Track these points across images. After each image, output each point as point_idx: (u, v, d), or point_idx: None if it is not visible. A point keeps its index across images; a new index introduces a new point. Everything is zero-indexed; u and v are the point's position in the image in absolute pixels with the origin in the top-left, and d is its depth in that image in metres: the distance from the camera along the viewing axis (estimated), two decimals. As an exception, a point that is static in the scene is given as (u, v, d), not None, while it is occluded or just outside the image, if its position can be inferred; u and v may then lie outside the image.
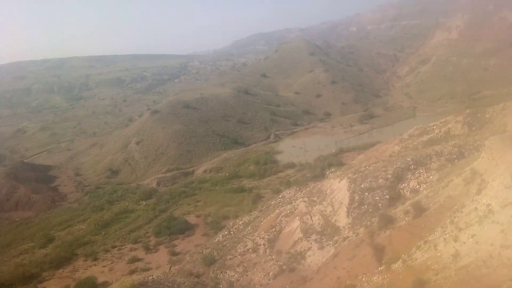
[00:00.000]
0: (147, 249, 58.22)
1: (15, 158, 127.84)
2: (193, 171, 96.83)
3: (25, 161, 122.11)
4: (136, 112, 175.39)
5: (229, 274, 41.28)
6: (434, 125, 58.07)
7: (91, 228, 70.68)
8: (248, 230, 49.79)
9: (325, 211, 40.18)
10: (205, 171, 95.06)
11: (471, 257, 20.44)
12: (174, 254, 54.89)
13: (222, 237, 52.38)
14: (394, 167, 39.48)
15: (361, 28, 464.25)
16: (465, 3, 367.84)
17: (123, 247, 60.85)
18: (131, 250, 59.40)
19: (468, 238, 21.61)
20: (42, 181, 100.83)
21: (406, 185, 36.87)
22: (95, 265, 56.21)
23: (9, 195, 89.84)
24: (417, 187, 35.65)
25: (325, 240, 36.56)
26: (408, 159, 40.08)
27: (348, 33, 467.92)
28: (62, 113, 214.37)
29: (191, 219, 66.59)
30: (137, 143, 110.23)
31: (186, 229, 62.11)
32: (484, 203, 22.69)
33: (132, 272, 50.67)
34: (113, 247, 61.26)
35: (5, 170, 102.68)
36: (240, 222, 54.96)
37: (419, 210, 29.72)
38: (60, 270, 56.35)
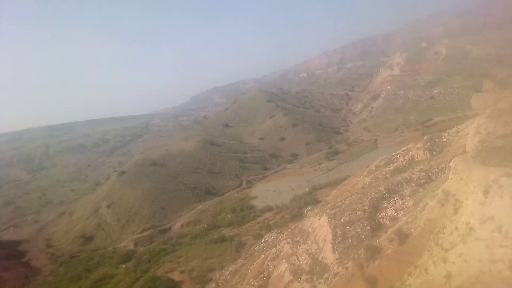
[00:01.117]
0: (134, 314, 56.04)
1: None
2: (170, 227, 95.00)
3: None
4: (102, 176, 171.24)
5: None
6: (397, 154, 61.33)
7: (70, 299, 67.17)
8: (236, 279, 49.24)
9: (311, 249, 40.35)
10: (182, 225, 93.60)
11: (463, 275, 20.85)
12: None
13: (211, 291, 51.51)
14: (369, 198, 40.56)
15: (311, 73, 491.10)
16: (400, 43, 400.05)
17: (108, 314, 58.18)
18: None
19: (456, 258, 22.09)
20: (11, 257, 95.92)
21: (384, 213, 37.70)
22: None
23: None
24: (395, 214, 36.47)
25: (315, 278, 36.32)
26: (381, 188, 41.33)
27: (299, 79, 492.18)
28: (24, 185, 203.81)
29: (175, 276, 64.89)
30: (108, 206, 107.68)
31: (171, 287, 60.53)
32: (463, 222, 23.60)
33: None
34: (97, 316, 58.41)
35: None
36: (227, 273, 54.33)
37: (403, 236, 30.27)
38: None
